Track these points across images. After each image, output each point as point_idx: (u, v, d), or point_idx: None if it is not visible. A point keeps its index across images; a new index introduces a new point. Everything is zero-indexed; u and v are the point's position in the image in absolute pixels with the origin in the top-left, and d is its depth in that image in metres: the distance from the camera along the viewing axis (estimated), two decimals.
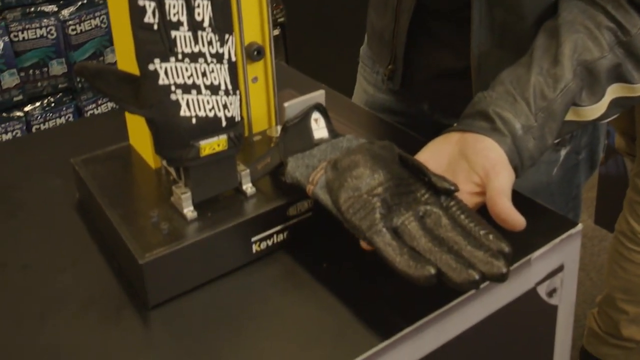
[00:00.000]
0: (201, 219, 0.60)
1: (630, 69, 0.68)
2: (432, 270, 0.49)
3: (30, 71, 1.87)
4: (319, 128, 0.65)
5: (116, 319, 0.56)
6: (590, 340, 1.57)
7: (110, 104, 2.05)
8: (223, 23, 0.57)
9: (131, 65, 0.57)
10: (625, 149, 1.62)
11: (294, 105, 0.65)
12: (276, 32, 2.32)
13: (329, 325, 0.54)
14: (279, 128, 0.70)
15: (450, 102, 0.88)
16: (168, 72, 0.56)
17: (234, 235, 0.59)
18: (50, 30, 1.84)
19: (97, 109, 2.03)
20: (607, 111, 0.70)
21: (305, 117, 0.65)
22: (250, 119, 0.72)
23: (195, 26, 0.56)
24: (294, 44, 2.29)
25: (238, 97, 0.60)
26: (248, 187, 0.63)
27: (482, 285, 0.55)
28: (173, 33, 0.55)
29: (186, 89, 0.56)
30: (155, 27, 0.54)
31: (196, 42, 0.56)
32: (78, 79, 1.94)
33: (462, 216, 0.55)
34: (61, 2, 1.84)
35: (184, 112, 0.56)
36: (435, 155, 0.63)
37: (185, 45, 0.56)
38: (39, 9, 1.83)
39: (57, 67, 1.90)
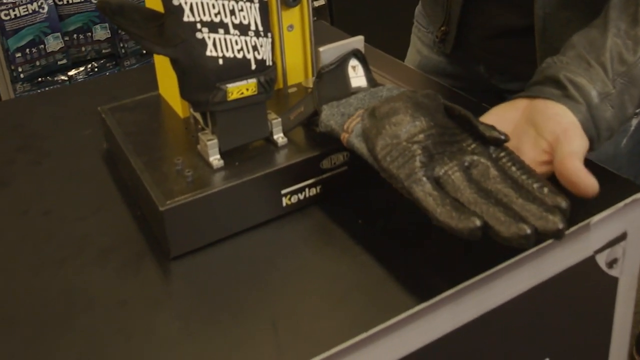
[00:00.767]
0: (228, 167, 0.56)
1: None
2: (478, 222, 0.43)
3: (74, 35, 1.87)
4: (356, 76, 0.60)
5: (135, 268, 0.52)
6: None
7: None
8: None
9: (158, 2, 0.53)
10: None
11: (330, 51, 0.60)
12: (321, 1, 2.26)
13: (361, 284, 0.49)
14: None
15: (509, 64, 0.82)
16: (194, 8, 0.51)
17: (262, 186, 0.55)
18: None
19: None
20: None
21: (342, 63, 0.59)
22: (285, 69, 0.68)
23: None
24: (340, 10, 2.22)
25: (270, 39, 0.56)
26: (279, 137, 0.58)
27: (535, 246, 0.50)
28: None
29: (213, 27, 0.52)
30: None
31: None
32: (122, 45, 1.93)
33: (514, 168, 0.49)
34: None
35: (210, 52, 0.52)
36: (500, 122, 0.56)
37: None
38: None
39: (100, 32, 1.90)
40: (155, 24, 0.53)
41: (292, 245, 0.54)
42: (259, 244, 0.54)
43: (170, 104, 0.67)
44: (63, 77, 1.88)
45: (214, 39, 0.52)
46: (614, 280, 0.59)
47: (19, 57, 1.79)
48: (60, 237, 0.57)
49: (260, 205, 0.56)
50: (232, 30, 0.53)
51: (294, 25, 0.67)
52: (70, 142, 0.72)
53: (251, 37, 0.54)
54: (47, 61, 1.83)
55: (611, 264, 0.59)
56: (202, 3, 0.52)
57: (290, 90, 0.68)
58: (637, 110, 0.81)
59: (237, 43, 0.53)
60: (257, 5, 0.54)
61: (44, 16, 1.77)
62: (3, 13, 1.72)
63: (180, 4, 0.51)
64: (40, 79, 1.86)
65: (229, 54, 0.53)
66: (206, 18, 0.52)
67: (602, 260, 0.58)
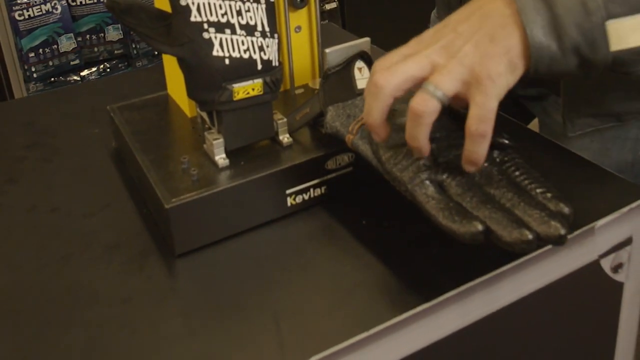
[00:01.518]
0: (233, 167, 0.56)
1: None
2: (480, 227, 0.43)
3: (87, 36, 1.89)
4: (362, 78, 0.60)
5: (140, 265, 0.53)
6: None
7: None
8: None
9: (166, 2, 0.53)
10: None
11: (336, 52, 0.60)
12: (333, 4, 2.27)
13: (365, 283, 0.50)
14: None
15: None
16: (201, 8, 0.52)
17: (267, 186, 0.55)
18: None
19: None
20: None
21: (348, 65, 0.60)
22: (292, 70, 0.68)
23: None
24: (352, 13, 2.22)
25: (276, 40, 0.56)
26: (285, 138, 0.59)
27: (538, 250, 0.50)
28: None
29: (219, 27, 0.53)
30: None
31: None
32: (133, 46, 1.94)
33: (517, 172, 0.49)
34: None
35: (216, 51, 0.53)
36: None
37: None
38: None
39: (113, 33, 1.91)
40: (163, 24, 0.54)
41: (297, 244, 0.54)
42: (264, 243, 0.55)
43: (178, 104, 0.68)
44: (75, 77, 1.90)
45: (221, 39, 0.53)
46: (619, 285, 0.59)
47: (32, 56, 1.81)
48: (67, 234, 0.57)
49: (265, 205, 0.56)
50: (238, 30, 0.53)
51: (302, 26, 0.67)
52: (79, 140, 0.73)
53: (257, 37, 0.54)
54: (60, 61, 1.85)
55: (616, 268, 0.58)
56: (209, 3, 0.52)
57: (298, 91, 0.68)
58: None
59: (243, 43, 0.54)
60: (263, 6, 0.55)
61: (57, 17, 1.79)
62: (17, 13, 1.74)
63: (187, 4, 0.52)
64: (53, 79, 1.87)
65: (236, 54, 0.53)
66: (213, 18, 0.52)
67: (607, 264, 0.57)
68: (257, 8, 0.54)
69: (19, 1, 1.74)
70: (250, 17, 0.54)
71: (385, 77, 0.47)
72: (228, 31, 0.53)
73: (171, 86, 0.70)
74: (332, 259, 0.53)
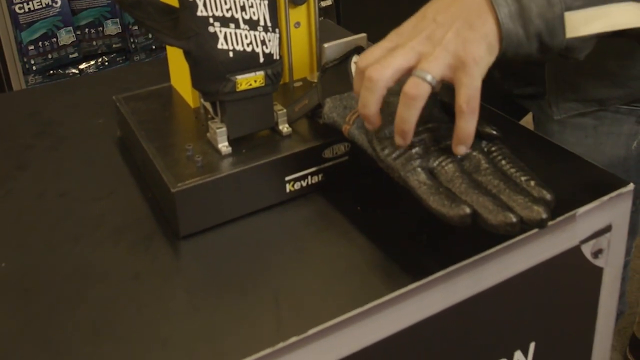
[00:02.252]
0: (235, 154, 0.59)
1: None
2: (467, 210, 0.47)
3: (86, 30, 1.91)
4: None
5: (146, 246, 0.56)
6: None
7: None
8: None
9: None
10: None
11: (334, 47, 0.63)
12: (329, 1, 2.29)
13: (358, 265, 0.53)
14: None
15: (524, 68, 0.84)
16: (207, 3, 0.55)
17: (267, 173, 0.58)
18: None
19: None
20: None
21: (345, 59, 0.63)
22: (291, 64, 0.71)
23: None
24: (347, 10, 2.25)
25: (277, 35, 0.59)
26: (284, 128, 0.62)
27: (522, 235, 0.53)
28: None
29: (224, 21, 0.56)
30: None
31: None
32: (132, 40, 1.96)
33: (504, 161, 0.52)
34: None
35: (221, 45, 0.56)
36: None
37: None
38: None
39: (111, 27, 1.93)
40: (170, 18, 0.57)
41: (294, 228, 0.58)
42: (264, 226, 0.58)
43: (182, 95, 0.71)
44: (74, 71, 1.92)
45: (225, 33, 0.56)
46: (599, 270, 0.62)
47: (31, 49, 1.82)
48: (76, 217, 0.60)
49: (265, 191, 0.59)
50: (242, 25, 0.56)
51: (301, 22, 0.70)
52: (85, 129, 0.76)
53: (260, 32, 0.57)
54: (59, 54, 1.87)
55: (596, 254, 0.62)
56: None
57: (296, 84, 0.71)
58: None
59: (246, 37, 0.57)
60: (266, 2, 0.58)
61: (57, 10, 1.81)
62: (17, 7, 1.76)
63: (194, 0, 0.55)
64: (52, 72, 1.89)
65: (239, 47, 0.56)
66: (218, 13, 0.55)
67: (587, 250, 0.61)
68: (260, 4, 0.57)
69: None
70: (254, 13, 0.57)
71: (378, 70, 0.50)
72: (232, 25, 0.56)
73: (175, 78, 0.73)
74: (327, 242, 0.56)
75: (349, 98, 0.60)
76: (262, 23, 0.57)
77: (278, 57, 0.59)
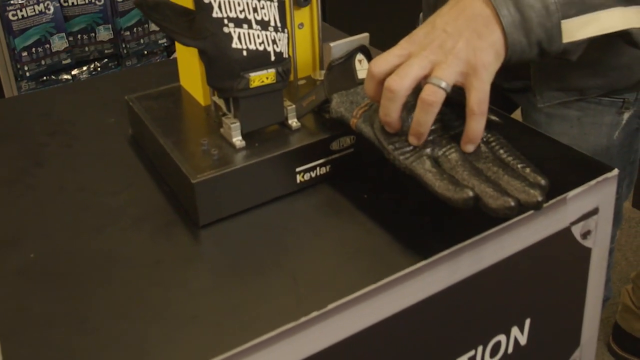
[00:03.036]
0: (249, 148, 0.63)
1: None
2: (470, 193, 0.51)
3: (79, 36, 1.93)
4: (362, 69, 0.68)
5: (167, 234, 0.59)
6: (624, 315, 1.56)
7: None
8: None
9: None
10: None
11: (339, 46, 0.67)
12: None
13: (367, 246, 0.57)
14: (323, 73, 0.73)
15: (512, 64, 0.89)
16: (222, 5, 0.59)
17: (279, 164, 0.62)
18: None
19: None
20: None
21: (349, 57, 0.67)
22: (295, 63, 0.75)
23: None
24: (333, 12, 2.29)
25: (286, 34, 0.63)
26: (293, 122, 0.66)
27: (519, 216, 0.58)
28: None
29: (238, 22, 0.59)
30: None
31: None
32: (123, 45, 1.99)
33: (501, 150, 0.57)
34: None
35: (235, 44, 0.59)
36: None
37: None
38: None
39: (103, 33, 1.96)
40: (186, 19, 0.60)
41: (306, 215, 0.62)
42: (277, 214, 0.62)
43: (192, 94, 0.74)
44: (67, 76, 1.94)
45: (239, 33, 0.59)
46: (588, 251, 0.67)
47: (25, 56, 1.85)
48: (96, 209, 0.64)
49: (277, 181, 0.63)
50: (254, 25, 0.60)
51: (304, 23, 0.74)
52: (96, 128, 0.79)
53: (271, 32, 0.61)
54: (52, 60, 1.89)
55: (585, 235, 0.66)
56: (229, 1, 0.59)
57: (300, 82, 0.75)
58: (628, 107, 0.90)
59: (258, 37, 0.60)
60: (275, 4, 0.62)
61: (50, 17, 1.83)
62: (11, 13, 1.78)
63: (210, 2, 0.58)
64: (45, 78, 1.91)
65: (252, 47, 0.60)
66: (232, 14, 0.59)
67: (577, 231, 0.65)
68: (270, 5, 0.61)
69: (12, 1, 1.78)
70: (265, 14, 0.61)
71: (397, 82, 0.55)
72: (245, 26, 0.60)
73: (184, 78, 0.76)
74: (337, 227, 0.60)
75: (354, 94, 0.64)
76: (272, 24, 0.61)
77: (287, 56, 0.63)
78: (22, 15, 1.79)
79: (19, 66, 1.86)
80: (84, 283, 0.54)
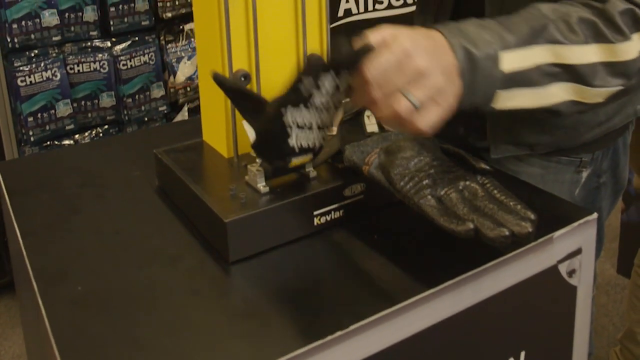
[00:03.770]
0: (272, 193, 0.71)
1: None
2: (471, 225, 0.59)
3: (83, 102, 2.02)
4: (370, 123, 0.77)
5: (201, 270, 0.66)
6: None
7: None
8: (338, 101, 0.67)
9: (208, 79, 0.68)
10: None
11: (349, 103, 0.77)
12: None
13: (380, 278, 0.64)
14: (332, 128, 0.82)
15: (482, 125, 0.99)
16: (293, 114, 0.64)
17: (299, 207, 0.70)
18: (103, 64, 2.00)
19: None
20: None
21: (358, 113, 0.76)
22: None
23: (325, 101, 0.65)
24: None
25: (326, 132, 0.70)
26: (311, 171, 0.74)
27: (512, 252, 0.65)
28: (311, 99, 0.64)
29: (301, 126, 0.66)
30: (304, 93, 0.63)
31: (318, 110, 0.65)
32: (125, 112, 2.08)
33: (495, 191, 0.65)
34: (114, 39, 2.01)
35: (291, 142, 0.66)
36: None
37: (314, 101, 0.64)
38: (94, 44, 2.00)
39: (106, 100, 2.05)
40: (255, 107, 0.67)
41: (324, 253, 0.69)
42: (298, 251, 0.69)
43: (215, 148, 0.83)
44: (69, 142, 2.01)
45: (298, 134, 0.66)
46: (574, 289, 0.75)
47: (30, 121, 1.92)
48: (134, 249, 0.70)
49: (297, 223, 0.70)
50: (314, 127, 0.67)
51: None
52: (124, 180, 0.87)
53: (322, 131, 0.68)
54: (57, 126, 1.97)
55: (571, 273, 0.74)
56: (301, 114, 0.64)
57: None
58: (585, 166, 0.99)
59: (310, 136, 0.67)
60: (332, 111, 0.67)
61: (57, 83, 1.93)
62: (19, 79, 1.87)
63: (282, 111, 0.64)
64: (48, 142, 1.98)
65: (304, 144, 0.67)
66: (300, 121, 0.65)
67: (563, 269, 0.73)
68: (328, 113, 0.66)
69: (22, 67, 1.87)
70: (322, 120, 0.66)
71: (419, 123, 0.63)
72: (306, 129, 0.66)
73: (208, 134, 0.85)
74: (352, 263, 0.67)
75: (364, 145, 0.73)
76: (326, 126, 0.68)
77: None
78: (31, 82, 1.89)
79: (23, 131, 1.93)
80: (131, 310, 0.60)
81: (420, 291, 0.61)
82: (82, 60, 1.98)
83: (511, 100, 0.69)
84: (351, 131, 0.75)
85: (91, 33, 1.97)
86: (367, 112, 0.76)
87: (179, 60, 2.14)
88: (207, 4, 0.76)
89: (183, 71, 2.14)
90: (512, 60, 0.68)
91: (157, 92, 2.11)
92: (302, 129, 0.66)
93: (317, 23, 0.80)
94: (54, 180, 0.88)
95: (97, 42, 1.99)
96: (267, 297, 0.62)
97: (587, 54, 0.71)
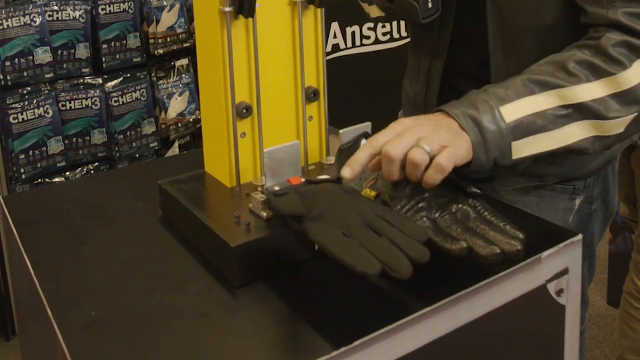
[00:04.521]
0: (275, 219, 0.74)
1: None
2: (464, 244, 0.63)
3: (74, 139, 2.04)
4: None
5: (209, 293, 0.69)
6: None
7: None
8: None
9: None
10: (629, 216, 1.71)
11: (347, 132, 0.81)
12: None
13: (379, 297, 0.68)
14: (330, 158, 0.86)
15: None
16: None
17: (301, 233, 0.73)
18: (95, 101, 2.03)
19: None
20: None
21: (356, 141, 0.81)
22: (307, 151, 0.88)
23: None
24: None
25: None
26: None
27: (503, 272, 0.69)
28: None
29: None
30: None
31: None
32: (116, 149, 2.11)
33: (486, 213, 0.70)
34: (105, 76, 2.05)
35: None
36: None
37: None
38: (86, 80, 2.03)
39: (98, 136, 2.08)
40: (299, 226, 0.69)
41: (324, 275, 0.72)
42: (301, 274, 0.72)
43: (217, 178, 0.86)
44: (60, 179, 2.03)
45: None
46: (562, 308, 0.78)
47: (22, 158, 1.94)
48: (142, 276, 0.73)
49: (299, 247, 0.74)
50: None
51: (313, 116, 0.88)
52: (128, 211, 0.89)
53: None
54: (48, 163, 1.99)
55: (559, 293, 0.78)
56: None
57: (310, 167, 0.88)
58: (578, 193, 1.03)
59: None
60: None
61: (49, 120, 1.95)
62: (12, 116, 1.90)
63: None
64: (39, 180, 1.99)
65: None
66: None
67: (552, 288, 0.77)
68: None
69: (14, 105, 1.90)
70: None
71: (392, 149, 0.69)
72: None
73: (209, 164, 0.88)
74: (352, 283, 0.70)
75: (362, 171, 0.77)
76: None
77: None
78: (23, 119, 1.91)
79: (15, 168, 1.95)
80: (144, 332, 0.63)
81: (417, 309, 0.65)
82: (74, 97, 2.01)
83: (527, 147, 0.76)
84: (349, 158, 0.79)
85: (83, 70, 2.01)
86: (364, 141, 0.80)
87: (170, 96, 2.18)
88: (211, 40, 0.80)
89: (174, 107, 2.18)
90: (513, 111, 0.75)
91: (149, 128, 2.15)
92: None
93: (314, 57, 0.85)
94: (59, 213, 0.91)
95: (88, 79, 2.03)
96: (274, 316, 0.65)
97: (592, 90, 0.77)
